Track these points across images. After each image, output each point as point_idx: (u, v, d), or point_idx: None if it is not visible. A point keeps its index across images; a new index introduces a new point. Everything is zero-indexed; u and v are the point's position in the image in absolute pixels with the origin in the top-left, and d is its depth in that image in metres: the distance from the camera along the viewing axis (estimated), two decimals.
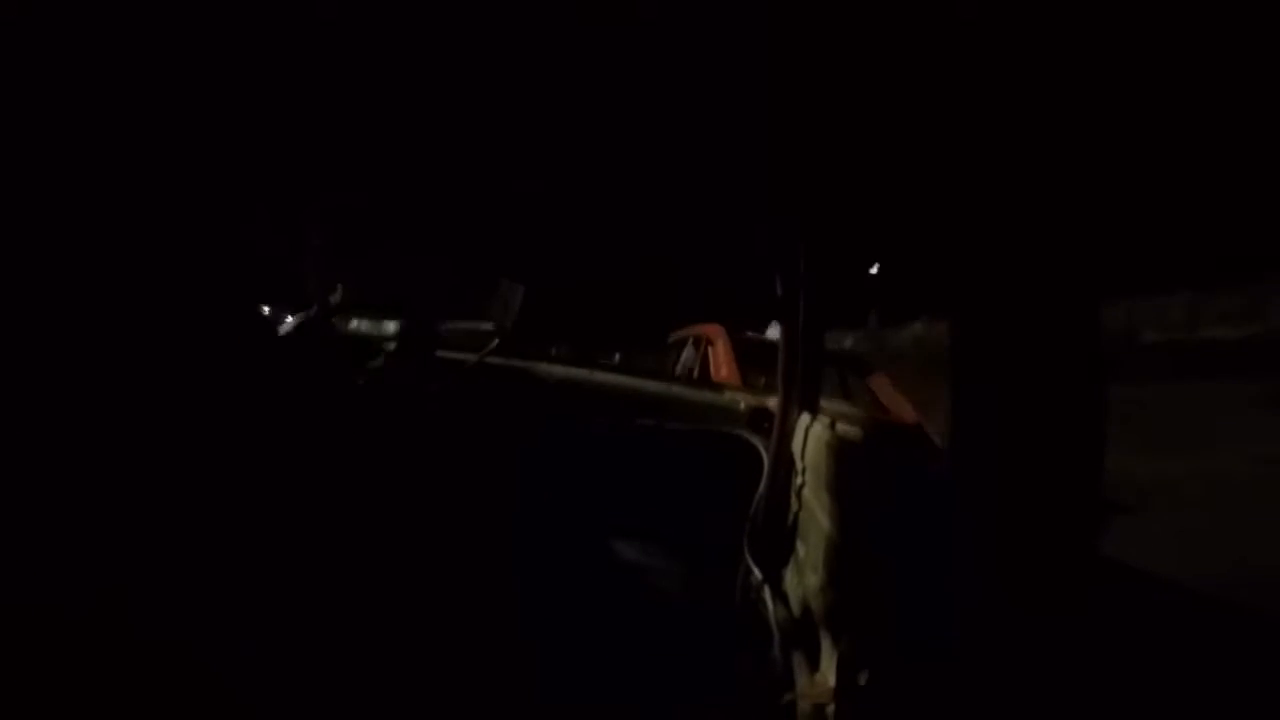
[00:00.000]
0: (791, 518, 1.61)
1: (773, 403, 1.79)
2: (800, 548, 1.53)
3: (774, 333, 1.67)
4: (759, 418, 1.86)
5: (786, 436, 1.68)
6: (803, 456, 1.58)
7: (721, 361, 3.68)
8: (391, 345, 2.08)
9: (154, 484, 0.73)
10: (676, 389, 2.10)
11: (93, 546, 0.63)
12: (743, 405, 1.92)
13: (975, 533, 0.68)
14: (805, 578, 1.43)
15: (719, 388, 2.08)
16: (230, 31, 1.06)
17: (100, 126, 0.84)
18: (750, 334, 3.96)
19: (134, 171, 0.94)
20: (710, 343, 3.95)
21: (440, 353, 2.04)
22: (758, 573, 1.60)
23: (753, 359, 3.54)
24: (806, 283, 1.66)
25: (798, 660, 1.24)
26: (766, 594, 1.52)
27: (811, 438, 1.54)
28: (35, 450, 0.65)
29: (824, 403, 1.73)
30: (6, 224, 0.74)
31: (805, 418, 1.63)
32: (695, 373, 3.93)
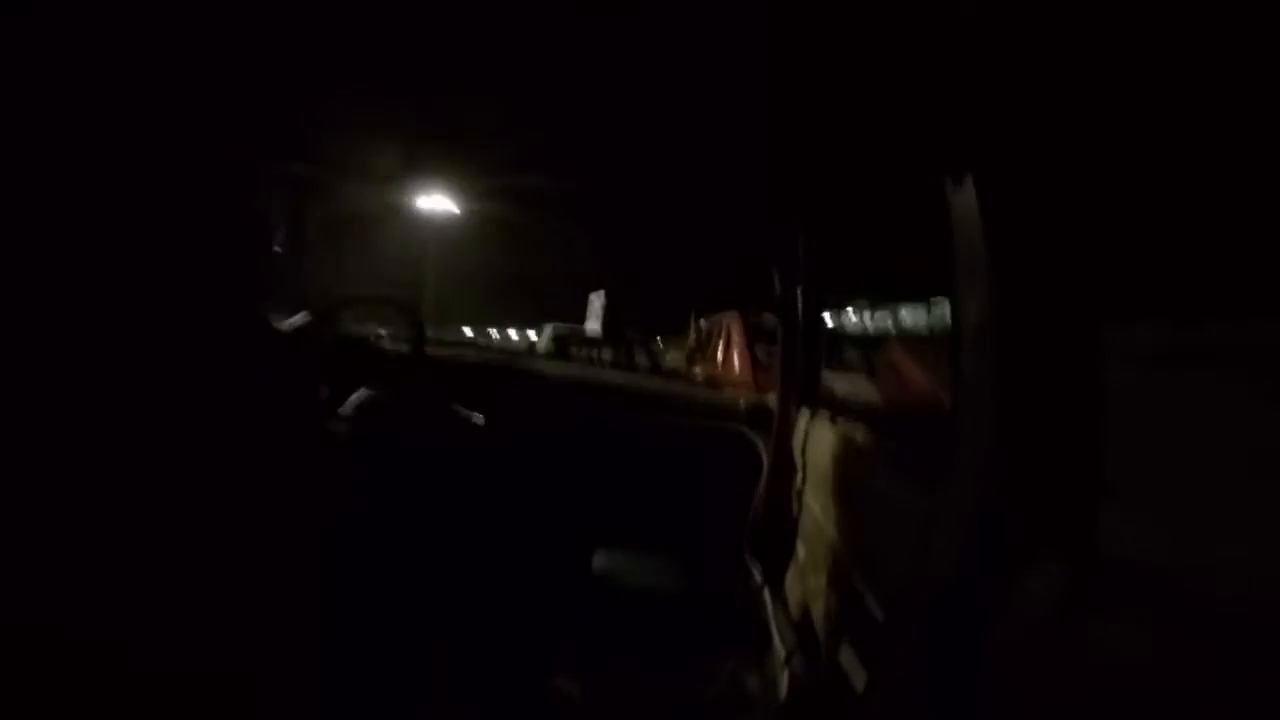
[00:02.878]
0: (791, 517, 1.59)
1: (772, 400, 1.77)
2: (800, 548, 1.51)
3: None
4: (759, 415, 1.84)
5: (786, 434, 1.67)
6: (803, 454, 1.57)
7: (735, 343, 4.46)
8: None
9: (134, 485, 0.72)
10: (676, 387, 2.09)
11: (69, 548, 0.63)
12: (742, 403, 1.91)
13: (977, 532, 0.67)
14: (806, 578, 1.41)
15: (718, 386, 2.07)
16: (234, 24, 1.05)
17: (97, 117, 0.82)
18: (767, 314, 4.60)
19: (131, 164, 0.93)
20: (728, 327, 4.70)
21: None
22: (758, 573, 1.58)
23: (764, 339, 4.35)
24: (805, 280, 1.65)
25: (797, 661, 1.23)
26: (766, 595, 1.51)
27: (811, 435, 1.53)
28: (17, 449, 0.64)
29: (848, 381, 1.74)
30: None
31: (805, 414, 1.61)
32: (710, 351, 4.77)
